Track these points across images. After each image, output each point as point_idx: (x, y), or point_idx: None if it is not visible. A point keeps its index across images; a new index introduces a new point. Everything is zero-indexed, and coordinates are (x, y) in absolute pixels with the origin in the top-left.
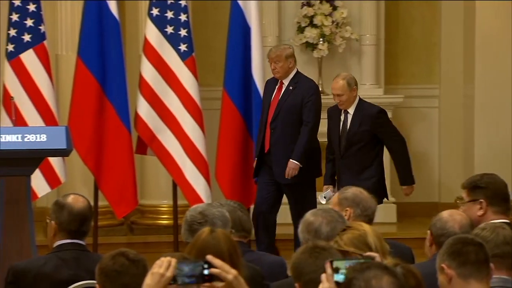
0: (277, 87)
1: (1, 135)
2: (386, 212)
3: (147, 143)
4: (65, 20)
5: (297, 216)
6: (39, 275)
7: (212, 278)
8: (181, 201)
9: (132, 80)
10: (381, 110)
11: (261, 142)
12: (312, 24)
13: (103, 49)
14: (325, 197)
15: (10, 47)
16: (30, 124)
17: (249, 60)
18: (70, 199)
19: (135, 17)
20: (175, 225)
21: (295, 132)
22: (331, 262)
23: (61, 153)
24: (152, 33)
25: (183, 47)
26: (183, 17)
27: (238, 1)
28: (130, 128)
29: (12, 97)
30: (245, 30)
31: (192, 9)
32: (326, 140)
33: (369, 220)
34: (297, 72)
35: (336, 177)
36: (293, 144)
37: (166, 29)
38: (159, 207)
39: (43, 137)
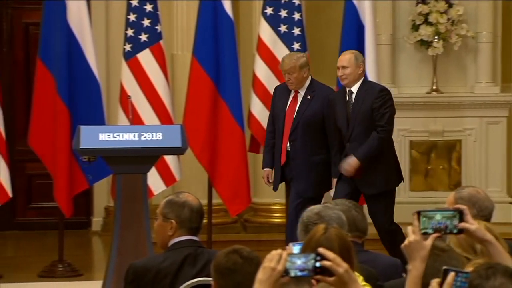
0: (291, 96)
1: (119, 133)
2: (503, 212)
3: (260, 141)
4: (181, 20)
5: None
6: (159, 273)
7: (323, 271)
8: None
9: (246, 78)
10: (384, 88)
11: (279, 153)
12: (427, 22)
13: (217, 48)
14: None
15: (128, 47)
16: (146, 123)
17: None
18: (187, 196)
19: (249, 16)
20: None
21: (316, 143)
22: (419, 214)
23: (177, 151)
24: (266, 32)
25: (296, 46)
26: (296, 16)
27: (353, 0)
28: (244, 126)
29: (129, 96)
30: (359, 29)
31: (305, 8)
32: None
33: (486, 221)
34: (312, 79)
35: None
36: (314, 155)
37: (280, 28)
38: (272, 205)
39: (159, 136)
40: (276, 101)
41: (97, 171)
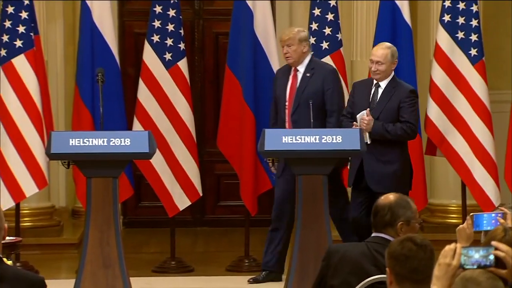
0: (291, 76)
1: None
2: None
3: (436, 144)
4: (360, 28)
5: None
6: (344, 258)
7: (497, 263)
8: (470, 201)
9: (422, 84)
10: (415, 90)
11: None
12: None
13: None
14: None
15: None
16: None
17: None
18: None
19: (426, 23)
20: None
21: (318, 122)
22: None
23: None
24: (443, 39)
25: (473, 52)
26: (474, 23)
27: None
28: (420, 130)
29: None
30: None
31: (483, 14)
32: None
33: None
34: (312, 57)
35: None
36: None
37: (457, 35)
38: (448, 206)
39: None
40: (277, 84)
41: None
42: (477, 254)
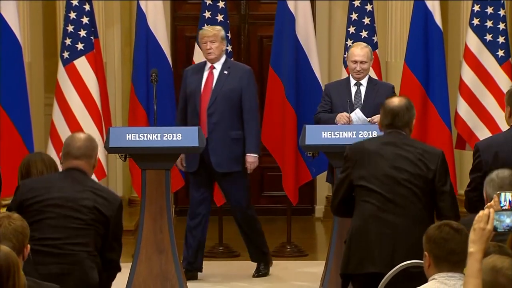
0: (207, 72)
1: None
2: None
3: (465, 139)
4: (394, 31)
5: (237, 203)
6: (364, 151)
7: None
8: None
9: (453, 83)
10: (394, 86)
11: None
12: None
13: (427, 56)
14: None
15: (345, 55)
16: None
17: None
18: None
19: (457, 26)
20: None
21: (234, 118)
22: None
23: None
24: (472, 41)
25: (500, 53)
26: (501, 26)
27: None
28: (450, 126)
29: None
30: None
31: (509, 19)
32: None
33: None
34: (227, 57)
35: None
36: (231, 131)
37: (485, 37)
38: None
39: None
40: (188, 81)
41: (319, 164)
42: (508, 219)
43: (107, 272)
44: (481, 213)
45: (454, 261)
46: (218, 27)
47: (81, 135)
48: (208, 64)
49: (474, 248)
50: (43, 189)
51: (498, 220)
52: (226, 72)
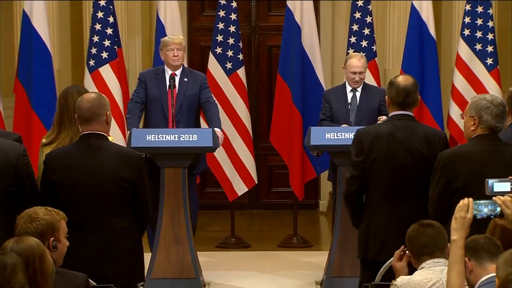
0: (168, 78)
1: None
2: None
3: (457, 140)
4: (392, 41)
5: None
6: (378, 135)
7: (502, 214)
8: None
9: (445, 88)
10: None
11: None
12: None
13: (422, 63)
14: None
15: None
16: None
17: None
18: None
19: (449, 37)
20: None
21: (197, 120)
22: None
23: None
24: (463, 50)
25: (489, 61)
26: (490, 36)
27: None
28: (443, 127)
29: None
30: None
31: (497, 30)
32: None
33: None
34: (183, 65)
35: None
36: None
37: (475, 46)
38: None
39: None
40: (150, 86)
41: (323, 163)
42: (485, 209)
43: (139, 223)
44: (461, 202)
45: (429, 252)
46: (182, 37)
47: (89, 96)
48: (169, 71)
49: (456, 235)
50: (70, 170)
51: (477, 209)
52: (186, 79)
